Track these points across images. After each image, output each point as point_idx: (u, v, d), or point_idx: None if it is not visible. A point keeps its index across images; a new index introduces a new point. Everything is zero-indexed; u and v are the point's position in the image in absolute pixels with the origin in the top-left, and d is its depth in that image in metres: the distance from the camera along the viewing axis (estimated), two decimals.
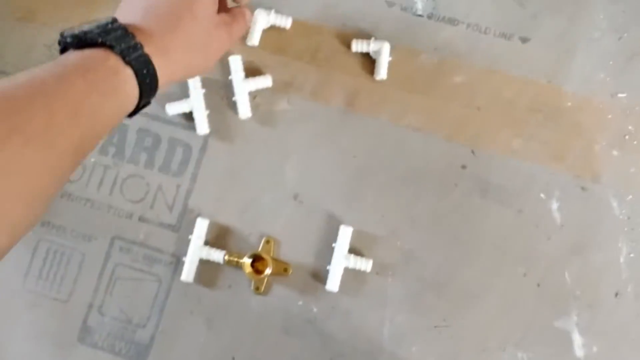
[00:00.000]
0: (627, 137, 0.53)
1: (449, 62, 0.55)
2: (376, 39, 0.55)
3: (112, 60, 0.36)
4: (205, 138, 0.56)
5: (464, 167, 0.54)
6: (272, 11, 0.55)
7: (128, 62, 0.37)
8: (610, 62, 0.54)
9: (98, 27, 0.37)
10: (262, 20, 0.55)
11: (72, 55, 0.36)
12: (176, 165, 0.56)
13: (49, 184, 0.33)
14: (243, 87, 0.55)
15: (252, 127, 0.55)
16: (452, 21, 0.55)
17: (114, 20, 0.38)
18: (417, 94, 0.55)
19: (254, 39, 0.55)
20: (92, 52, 0.36)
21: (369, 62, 0.55)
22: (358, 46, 0.54)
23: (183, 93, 0.55)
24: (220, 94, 0.56)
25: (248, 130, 0.55)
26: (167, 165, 0.56)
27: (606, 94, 0.53)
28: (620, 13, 0.54)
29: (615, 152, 0.53)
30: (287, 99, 0.56)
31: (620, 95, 0.53)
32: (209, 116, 0.55)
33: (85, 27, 0.37)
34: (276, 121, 0.55)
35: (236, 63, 0.55)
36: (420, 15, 0.56)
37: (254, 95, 0.56)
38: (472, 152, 0.54)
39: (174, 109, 0.55)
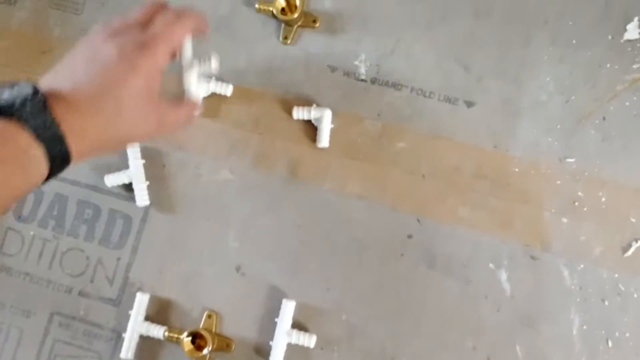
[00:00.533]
0: (576, 203, 0.51)
1: (392, 127, 0.53)
2: (318, 105, 0.53)
3: (24, 138, 0.35)
4: (146, 209, 0.54)
5: (409, 236, 0.52)
6: (213, 78, 0.54)
7: (41, 140, 0.36)
8: (558, 126, 0.52)
9: (17, 96, 0.36)
10: (203, 88, 0.54)
11: None
12: (116, 237, 0.55)
13: None
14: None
15: (193, 197, 0.54)
16: (395, 85, 0.54)
17: (35, 91, 0.37)
18: (361, 161, 0.53)
19: None
20: (3, 124, 0.35)
21: (311, 129, 0.54)
22: (299, 114, 0.53)
23: (123, 163, 0.54)
24: (160, 163, 0.55)
25: (189, 200, 0.54)
26: (107, 237, 0.55)
27: (554, 158, 0.52)
28: (567, 75, 0.53)
29: (565, 220, 0.51)
30: (229, 168, 0.54)
31: (569, 160, 0.52)
32: (150, 187, 0.54)
33: (4, 94, 0.36)
34: (218, 191, 0.54)
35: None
36: (363, 80, 0.54)
37: (195, 165, 0.54)
38: (418, 220, 0.52)
39: (113, 180, 0.54)
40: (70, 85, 0.39)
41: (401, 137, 0.53)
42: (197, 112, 0.46)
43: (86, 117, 0.38)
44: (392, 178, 0.53)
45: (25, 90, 0.36)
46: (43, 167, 0.37)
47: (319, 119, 0.52)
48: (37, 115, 0.36)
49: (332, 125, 0.53)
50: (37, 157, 0.36)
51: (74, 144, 0.37)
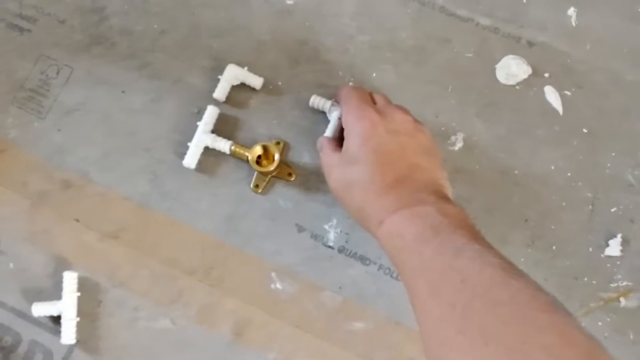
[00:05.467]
0: None
1: (352, 304, 0.50)
2: (278, 267, 0.50)
3: None
4: (70, 348, 0.49)
5: None
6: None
7: None
8: None
9: None
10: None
11: None
12: None
13: None
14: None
15: (125, 343, 0.49)
16: (363, 259, 0.51)
17: None
18: (313, 334, 0.49)
19: None
20: None
21: (267, 290, 0.50)
22: (315, 102, 0.52)
23: (56, 291, 0.49)
24: (97, 299, 0.50)
25: (120, 345, 0.49)
26: None
27: None
28: (541, 281, 0.49)
29: None
30: (170, 317, 0.49)
31: None
32: (80, 323, 0.49)
33: None
34: (153, 340, 0.49)
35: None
36: (330, 247, 0.51)
37: (134, 307, 0.50)
38: None
39: (42, 310, 0.49)
40: None
41: (360, 317, 0.50)
42: None
43: None
44: None
45: None
46: None
47: (332, 113, 0.51)
48: None
49: (291, 290, 0.49)
50: None
51: None
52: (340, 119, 0.50)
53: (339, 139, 0.48)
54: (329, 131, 0.50)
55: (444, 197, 0.41)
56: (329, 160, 0.46)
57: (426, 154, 0.44)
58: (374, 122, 0.44)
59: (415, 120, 0.45)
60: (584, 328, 0.31)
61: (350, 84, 0.54)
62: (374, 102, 0.47)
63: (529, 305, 0.32)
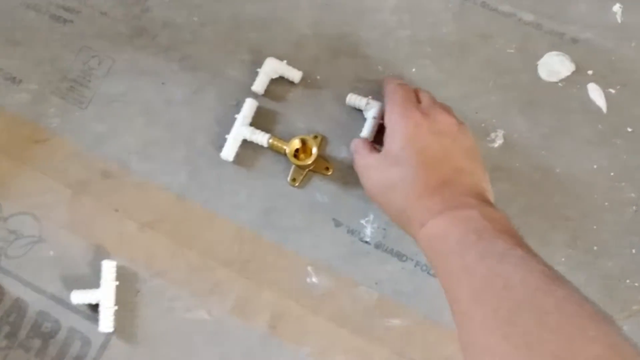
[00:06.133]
0: None
1: (388, 300, 0.49)
2: (315, 262, 0.49)
3: None
4: (108, 336, 0.50)
5: None
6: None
7: None
8: None
9: None
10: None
11: None
12: None
13: None
14: None
15: (162, 333, 0.50)
16: (400, 255, 0.50)
17: None
18: (348, 330, 0.49)
19: None
20: None
21: (303, 284, 0.50)
22: (352, 100, 0.52)
23: (95, 279, 0.49)
24: (134, 289, 0.50)
25: (157, 335, 0.50)
26: (61, 358, 0.50)
27: None
28: (582, 282, 0.49)
29: None
30: (206, 309, 0.50)
31: None
32: (117, 312, 0.49)
33: None
34: (190, 331, 0.50)
35: None
36: (367, 242, 0.50)
37: (171, 297, 0.50)
38: None
39: (80, 297, 0.49)
40: None
41: (396, 314, 0.49)
42: None
43: None
44: (377, 356, 0.48)
45: None
46: None
47: (369, 112, 0.51)
48: None
49: (327, 284, 0.49)
50: None
51: None
52: (375, 117, 0.49)
53: (375, 139, 0.48)
54: (365, 130, 0.50)
55: (487, 201, 0.41)
56: (366, 161, 0.46)
57: (469, 157, 0.44)
58: (417, 123, 0.44)
59: (459, 122, 0.45)
60: (631, 339, 0.30)
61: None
62: (419, 101, 0.46)
63: (576, 314, 0.31)
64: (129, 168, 0.53)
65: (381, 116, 0.49)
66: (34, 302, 0.51)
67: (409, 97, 0.46)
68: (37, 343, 0.51)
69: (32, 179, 0.52)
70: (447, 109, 0.46)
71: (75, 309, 0.51)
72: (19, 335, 0.51)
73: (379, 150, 0.47)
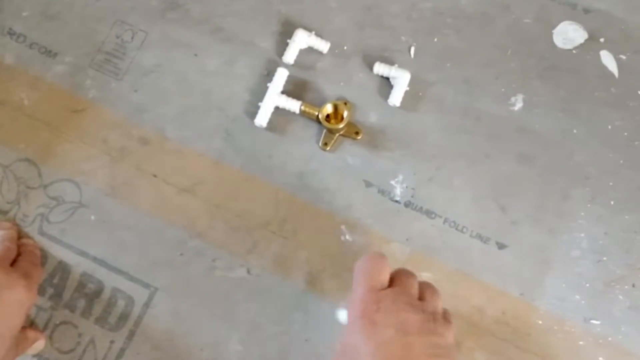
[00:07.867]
0: None
1: (420, 256, 0.52)
2: (348, 221, 0.52)
3: None
4: (151, 294, 0.52)
5: None
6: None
7: None
8: (587, 285, 0.51)
9: None
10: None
11: None
12: (114, 318, 0.52)
13: None
14: None
15: (203, 291, 0.52)
16: (429, 213, 0.53)
17: None
18: None
19: None
20: None
21: (338, 242, 0.52)
22: (380, 68, 0.55)
23: (138, 241, 0.51)
24: (178, 250, 0.52)
25: (199, 293, 0.52)
26: (105, 317, 0.52)
27: (579, 317, 0.50)
28: (601, 235, 0.52)
29: None
30: (246, 267, 0.52)
31: (594, 321, 0.50)
32: (161, 272, 0.52)
33: None
34: (230, 289, 0.52)
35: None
36: (397, 202, 0.53)
37: (212, 257, 0.52)
38: None
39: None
40: None
41: (427, 267, 0.52)
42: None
43: None
44: None
45: None
46: None
47: (396, 79, 0.54)
48: None
49: (361, 241, 0.51)
50: None
51: None
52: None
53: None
54: (393, 97, 0.53)
55: None
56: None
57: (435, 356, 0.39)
58: (373, 321, 0.40)
59: (429, 315, 0.41)
60: None
61: (412, 48, 0.56)
62: (390, 281, 0.43)
63: None
64: (165, 135, 0.55)
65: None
66: (77, 265, 0.53)
67: (373, 283, 0.43)
68: (81, 303, 0.52)
69: (71, 147, 0.54)
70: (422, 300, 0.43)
71: (118, 270, 0.53)
72: (64, 295, 0.53)
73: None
